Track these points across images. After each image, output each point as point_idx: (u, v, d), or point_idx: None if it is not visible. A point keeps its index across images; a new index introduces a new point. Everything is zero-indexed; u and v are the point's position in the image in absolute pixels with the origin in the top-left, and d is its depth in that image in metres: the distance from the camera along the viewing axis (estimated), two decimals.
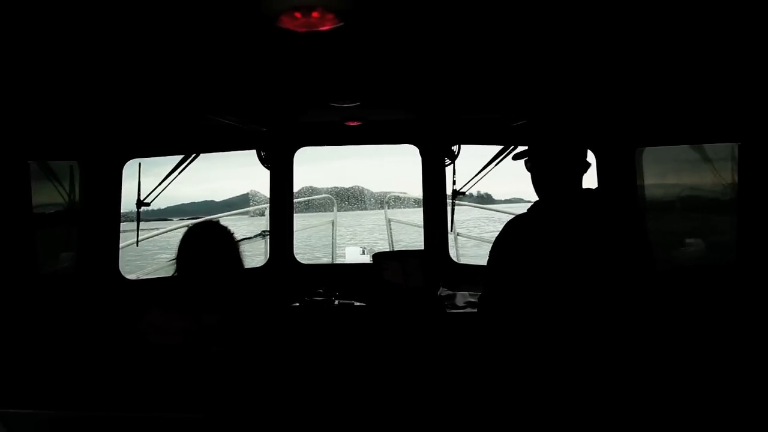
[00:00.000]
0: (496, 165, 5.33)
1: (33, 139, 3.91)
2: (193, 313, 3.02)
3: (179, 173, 5.12)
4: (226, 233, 3.29)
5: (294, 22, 1.70)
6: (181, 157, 5.10)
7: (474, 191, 5.43)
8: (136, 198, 5.11)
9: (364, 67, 2.76)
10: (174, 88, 3.05)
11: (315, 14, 1.66)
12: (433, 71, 2.98)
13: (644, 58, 2.71)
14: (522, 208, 3.12)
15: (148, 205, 5.14)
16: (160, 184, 5.08)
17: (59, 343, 3.85)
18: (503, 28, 2.14)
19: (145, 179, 4.99)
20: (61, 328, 3.99)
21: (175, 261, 3.24)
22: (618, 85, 3.46)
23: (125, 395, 2.91)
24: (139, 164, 5.06)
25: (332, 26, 1.77)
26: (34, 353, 3.62)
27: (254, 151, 5.40)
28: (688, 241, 4.77)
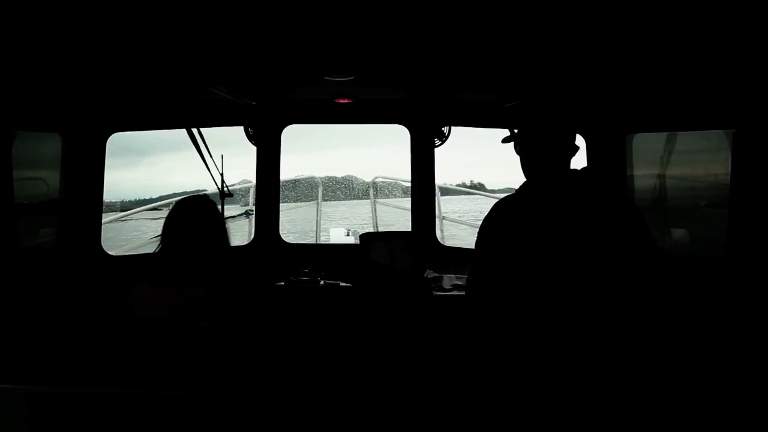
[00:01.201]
0: None
1: (15, 110, 3.81)
2: (178, 286, 3.02)
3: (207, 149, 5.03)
4: (212, 207, 3.29)
5: None
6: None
7: (467, 180, 5.40)
8: (219, 189, 5.08)
9: (360, 38, 2.71)
10: (165, 54, 2.97)
11: None
12: (428, 47, 2.95)
13: (638, 43, 2.70)
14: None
15: (231, 195, 5.12)
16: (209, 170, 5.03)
17: (40, 318, 3.78)
18: (499, 7, 2.13)
19: (139, 169, 4.90)
20: (42, 303, 3.91)
21: (159, 237, 3.23)
22: (611, 70, 3.44)
23: (108, 370, 2.88)
24: (222, 156, 5.03)
25: None
26: (15, 328, 3.55)
27: (242, 141, 5.33)
28: (673, 230, 4.78)
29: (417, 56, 3.19)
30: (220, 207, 5.10)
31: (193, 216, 3.21)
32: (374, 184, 8.68)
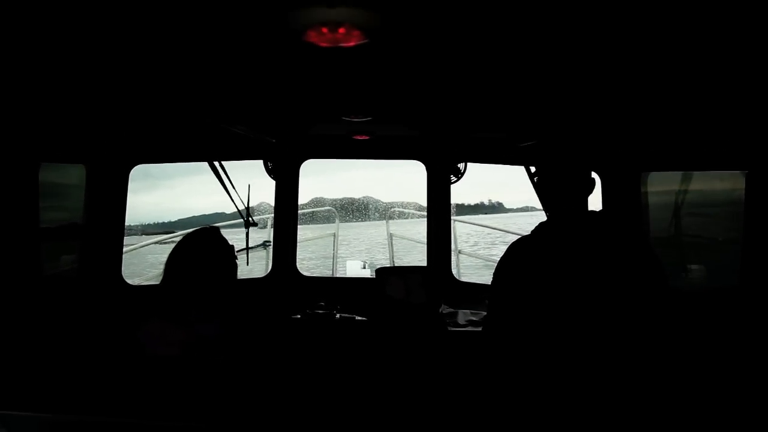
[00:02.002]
0: None
1: (43, 142, 3.92)
2: (187, 322, 3.00)
3: (228, 179, 5.11)
4: (220, 241, 3.25)
5: (320, 36, 1.71)
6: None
7: (485, 200, 5.41)
8: (245, 219, 5.19)
9: (379, 83, 2.77)
10: (187, 94, 3.05)
11: (341, 30, 1.67)
12: (445, 90, 3.00)
13: (653, 83, 2.73)
14: (533, 217, 3.13)
15: (255, 224, 5.21)
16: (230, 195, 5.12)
17: (61, 346, 3.83)
18: (514, 51, 2.16)
19: (158, 192, 5.00)
20: (64, 332, 3.97)
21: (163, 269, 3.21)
22: (625, 109, 3.47)
23: (126, 402, 2.90)
24: (249, 186, 5.15)
25: (357, 42, 1.78)
26: (36, 355, 3.60)
27: (261, 164, 5.42)
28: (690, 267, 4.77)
29: (433, 98, 3.24)
30: (245, 235, 5.20)
31: (196, 250, 3.18)
32: (391, 214, 8.73)
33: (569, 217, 2.92)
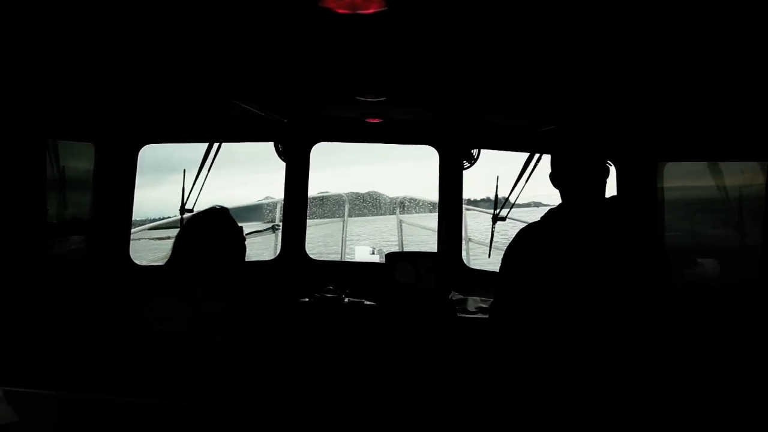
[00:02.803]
0: (528, 177, 5.18)
1: (51, 119, 3.88)
2: (194, 299, 2.98)
3: (209, 168, 5.08)
4: (228, 220, 3.22)
5: (338, 1, 1.65)
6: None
7: (491, 195, 5.35)
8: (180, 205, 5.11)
9: (395, 59, 2.72)
10: (200, 67, 3.00)
11: None
12: (461, 70, 2.95)
13: (672, 72, 2.69)
14: (540, 212, 3.11)
15: (191, 211, 5.08)
16: (193, 186, 5.10)
17: (69, 325, 3.81)
18: (536, 33, 2.13)
19: (163, 187, 4.98)
20: (70, 311, 3.95)
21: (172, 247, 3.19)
22: (643, 97, 3.42)
23: (132, 380, 2.88)
24: (184, 171, 5.09)
25: (376, 9, 1.73)
26: (44, 334, 3.58)
27: (269, 158, 5.38)
28: (700, 260, 4.72)
29: (449, 78, 3.20)
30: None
31: (205, 227, 3.16)
32: (401, 204, 8.72)
33: (581, 204, 2.91)
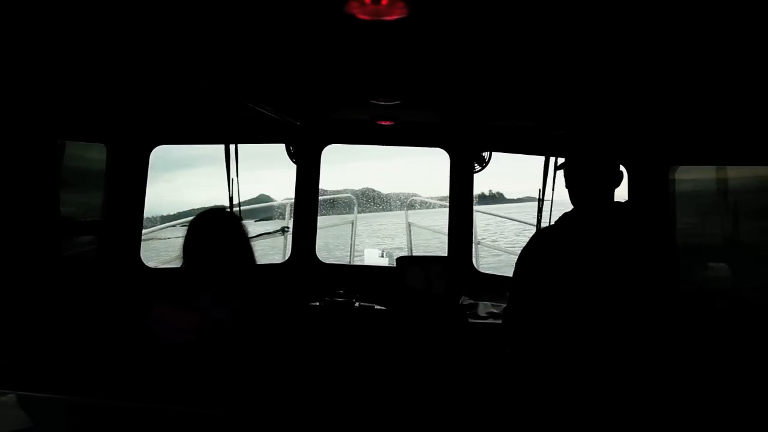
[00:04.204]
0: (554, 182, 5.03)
1: (64, 120, 3.88)
2: (202, 307, 2.93)
3: (237, 168, 5.01)
4: (234, 221, 3.16)
5: (362, 8, 1.64)
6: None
7: (486, 190, 5.33)
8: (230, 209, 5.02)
9: (410, 63, 2.72)
10: (216, 70, 2.99)
11: (384, 1, 1.60)
12: (474, 73, 2.95)
13: (683, 75, 2.68)
14: (533, 207, 3.14)
15: (241, 219, 5.04)
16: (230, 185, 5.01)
17: (80, 328, 3.81)
18: (545, 37, 2.13)
19: (158, 185, 4.95)
20: (81, 313, 3.95)
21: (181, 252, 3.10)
22: (655, 101, 3.41)
23: (142, 385, 2.87)
24: (237, 175, 5.02)
25: (398, 16, 1.72)
26: (55, 337, 3.58)
27: (263, 156, 5.37)
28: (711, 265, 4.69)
29: (463, 82, 3.19)
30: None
31: (212, 231, 3.06)
32: (410, 205, 8.72)
33: (594, 208, 2.92)
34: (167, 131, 4.95)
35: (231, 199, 5.00)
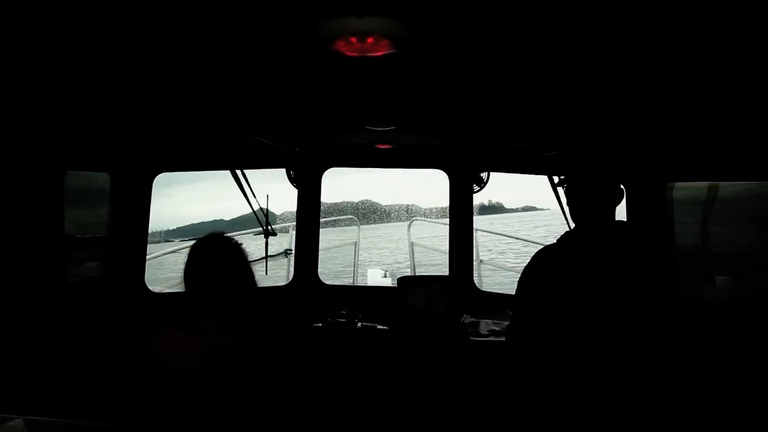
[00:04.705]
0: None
1: (69, 150, 3.96)
2: (206, 332, 2.93)
3: (251, 190, 5.14)
4: (234, 246, 3.16)
5: (348, 46, 1.70)
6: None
7: (485, 201, 5.40)
8: (264, 229, 5.21)
9: (404, 92, 2.77)
10: (214, 104, 3.06)
11: (370, 40, 1.66)
12: (469, 99, 2.99)
13: (680, 92, 2.71)
14: (534, 216, 3.15)
15: (275, 234, 5.23)
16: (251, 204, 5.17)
17: (85, 353, 3.86)
18: (539, 60, 2.15)
19: (157, 201, 5.05)
20: (87, 338, 4.00)
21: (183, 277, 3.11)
22: (651, 118, 3.45)
23: (146, 409, 2.90)
24: (267, 196, 5.19)
25: (384, 52, 1.78)
26: (60, 362, 3.62)
27: (264, 171, 5.45)
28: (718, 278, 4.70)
29: (457, 107, 3.23)
30: (264, 245, 5.20)
31: (212, 257, 3.07)
32: (411, 224, 8.79)
33: (595, 227, 2.93)
34: (169, 159, 5.02)
35: (257, 216, 5.13)
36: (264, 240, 5.36)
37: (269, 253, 6.50)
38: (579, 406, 2.76)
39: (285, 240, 6.78)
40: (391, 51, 1.78)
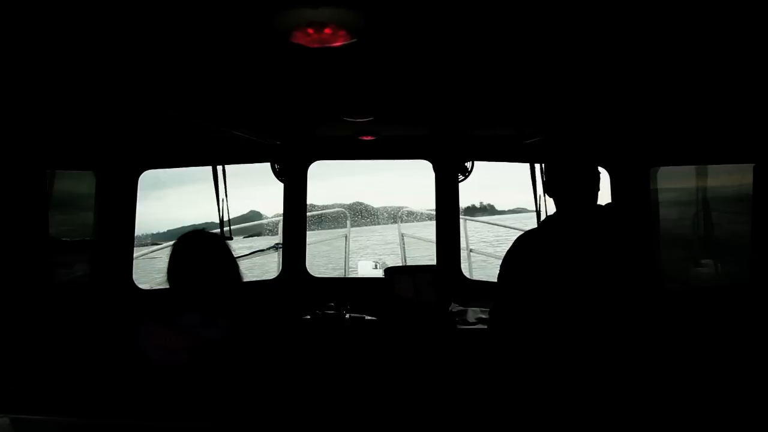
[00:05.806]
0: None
1: (51, 149, 3.96)
2: (191, 326, 2.93)
3: (225, 189, 5.16)
4: (217, 241, 3.18)
5: (307, 38, 1.71)
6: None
7: (476, 203, 5.41)
8: (221, 232, 5.15)
9: (376, 82, 2.77)
10: (189, 99, 3.07)
11: (327, 30, 1.67)
12: (446, 87, 2.99)
13: (660, 77, 2.71)
14: (526, 218, 3.17)
15: (231, 239, 5.10)
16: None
17: (73, 350, 3.87)
18: (516, 45, 2.14)
19: (147, 203, 5.04)
20: (75, 337, 4.01)
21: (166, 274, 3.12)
22: (633, 104, 3.46)
23: (134, 405, 2.91)
24: (224, 199, 5.15)
25: (344, 42, 1.79)
26: (48, 360, 3.64)
27: (252, 173, 5.48)
28: (703, 262, 4.74)
29: (432, 96, 3.23)
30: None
31: (195, 252, 3.08)
32: (400, 217, 8.81)
33: (576, 211, 2.95)
34: (154, 156, 5.03)
35: (221, 219, 5.10)
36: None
37: (261, 248, 6.55)
38: (563, 391, 2.77)
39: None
40: (352, 41, 1.79)
